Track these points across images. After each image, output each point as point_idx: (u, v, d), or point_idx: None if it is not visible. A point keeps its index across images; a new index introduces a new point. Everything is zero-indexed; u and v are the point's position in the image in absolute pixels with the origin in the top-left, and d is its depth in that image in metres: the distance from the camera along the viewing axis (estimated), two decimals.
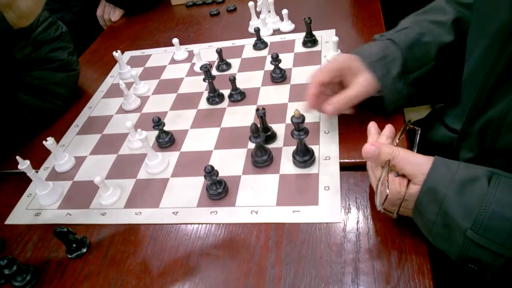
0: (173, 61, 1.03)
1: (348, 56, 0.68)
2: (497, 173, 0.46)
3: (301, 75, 0.87)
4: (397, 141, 0.58)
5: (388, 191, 0.50)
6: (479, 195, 0.45)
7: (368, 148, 0.53)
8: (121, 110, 0.91)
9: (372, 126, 0.61)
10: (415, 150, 0.55)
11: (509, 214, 0.43)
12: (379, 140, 0.58)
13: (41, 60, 0.89)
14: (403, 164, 0.51)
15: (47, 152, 0.80)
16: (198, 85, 0.92)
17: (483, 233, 0.44)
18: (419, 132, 0.58)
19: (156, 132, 0.78)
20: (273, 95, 0.84)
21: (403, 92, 0.68)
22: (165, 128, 0.78)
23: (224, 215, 0.63)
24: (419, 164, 0.50)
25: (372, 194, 0.61)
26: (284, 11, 1.02)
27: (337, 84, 0.68)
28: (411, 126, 0.60)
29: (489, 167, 0.54)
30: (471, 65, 0.62)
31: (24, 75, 0.88)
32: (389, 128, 0.59)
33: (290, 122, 0.63)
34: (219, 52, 0.93)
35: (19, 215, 0.71)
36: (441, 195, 0.47)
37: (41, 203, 0.72)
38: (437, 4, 0.73)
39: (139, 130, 0.71)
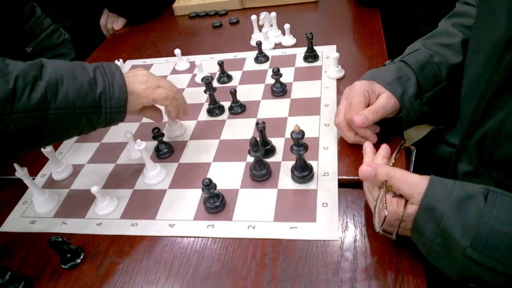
0: (174, 71, 1.04)
1: (365, 82, 0.69)
2: (493, 191, 0.46)
3: (301, 89, 0.87)
4: (393, 161, 0.58)
5: (386, 212, 0.49)
6: (477, 212, 0.45)
7: (364, 169, 0.53)
8: None
9: (368, 146, 0.62)
10: (411, 170, 0.56)
11: (508, 230, 0.43)
12: (375, 160, 0.58)
13: None
14: (400, 184, 0.51)
15: (44, 159, 0.80)
16: (198, 96, 0.92)
17: (483, 250, 0.44)
18: (415, 151, 0.58)
19: (155, 143, 0.78)
20: (273, 109, 0.84)
21: (419, 111, 0.69)
22: (164, 139, 0.78)
23: (221, 229, 0.63)
24: (415, 183, 0.50)
25: (369, 213, 0.60)
26: (286, 26, 1.03)
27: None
28: (406, 145, 0.60)
29: (488, 179, 0.55)
30: (469, 80, 0.64)
31: None
32: (384, 148, 0.60)
33: (289, 136, 0.63)
34: (221, 64, 0.93)
35: (14, 223, 0.71)
36: (439, 214, 0.47)
37: (37, 211, 0.71)
38: (444, 29, 0.75)
39: (138, 140, 0.70)
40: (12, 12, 0.82)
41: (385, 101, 0.67)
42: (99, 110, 0.61)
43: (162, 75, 1.03)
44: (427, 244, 0.49)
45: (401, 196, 0.52)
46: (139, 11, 1.32)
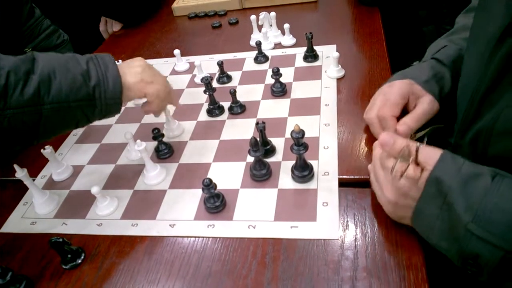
0: (174, 72, 1.04)
1: (403, 81, 0.68)
2: (501, 174, 0.47)
3: (301, 89, 0.87)
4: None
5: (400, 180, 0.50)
6: (483, 189, 0.45)
7: (384, 136, 0.54)
8: (121, 120, 0.91)
9: (391, 120, 0.63)
10: None
11: (510, 207, 0.43)
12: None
13: None
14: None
15: (44, 160, 0.80)
16: (198, 96, 0.92)
17: (484, 225, 0.44)
18: (425, 140, 0.58)
19: (155, 143, 0.78)
20: (273, 109, 0.84)
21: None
22: (164, 139, 0.78)
23: (221, 229, 0.63)
24: (431, 152, 0.51)
25: (369, 210, 0.60)
26: (286, 26, 1.03)
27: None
28: (415, 138, 0.60)
29: None
30: (464, 78, 0.63)
31: None
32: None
33: (289, 136, 0.63)
34: (220, 64, 0.93)
35: (15, 224, 0.71)
36: (446, 187, 0.47)
37: (37, 212, 0.71)
38: (464, 24, 0.74)
39: (138, 140, 0.70)
40: (11, 13, 0.82)
41: (428, 107, 0.66)
42: (93, 102, 0.60)
43: None
44: (431, 221, 0.49)
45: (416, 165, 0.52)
46: (131, 14, 1.32)
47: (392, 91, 0.67)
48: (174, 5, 1.34)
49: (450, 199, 0.47)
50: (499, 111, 0.52)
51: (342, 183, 0.65)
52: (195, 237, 0.62)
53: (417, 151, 0.51)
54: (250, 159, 0.70)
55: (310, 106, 0.82)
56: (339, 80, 0.88)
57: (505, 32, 0.49)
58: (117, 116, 0.90)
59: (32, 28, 0.88)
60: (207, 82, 0.82)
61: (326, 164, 0.69)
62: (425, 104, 0.66)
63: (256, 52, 1.00)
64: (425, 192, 0.50)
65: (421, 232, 0.53)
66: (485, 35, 0.54)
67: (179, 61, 1.03)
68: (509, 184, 0.45)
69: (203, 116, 0.86)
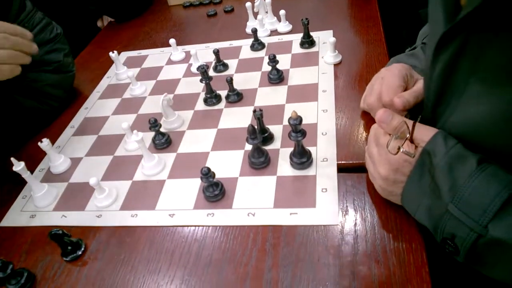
0: (170, 62, 1.03)
1: (401, 66, 0.67)
2: (488, 161, 0.47)
3: (298, 76, 0.87)
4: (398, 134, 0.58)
5: (402, 146, 0.51)
6: (467, 172, 0.46)
7: (382, 113, 0.55)
8: (118, 111, 0.90)
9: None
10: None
11: (489, 192, 0.44)
12: None
13: (37, 62, 0.88)
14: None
15: (42, 154, 0.80)
16: (195, 86, 0.91)
17: (462, 207, 0.45)
18: (419, 119, 0.58)
19: (152, 133, 0.77)
20: (270, 96, 0.83)
21: None
22: (162, 130, 0.77)
23: (221, 217, 0.62)
24: (426, 130, 0.51)
25: (369, 195, 0.60)
26: (282, 12, 1.02)
27: None
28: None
29: None
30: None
31: (20, 77, 0.87)
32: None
33: (287, 123, 0.63)
34: (216, 53, 0.92)
35: (14, 217, 0.71)
36: (434, 165, 0.48)
37: (36, 205, 0.71)
38: None
39: (135, 131, 0.70)
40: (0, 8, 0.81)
41: (422, 86, 0.65)
42: None
43: (158, 66, 1.02)
44: (418, 198, 0.50)
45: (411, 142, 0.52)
46: (122, 10, 1.30)
47: (391, 75, 0.66)
48: None
49: (437, 177, 0.47)
50: (444, 121, 0.52)
51: (341, 169, 0.65)
52: (195, 226, 0.62)
53: (413, 128, 0.51)
54: (248, 147, 0.70)
55: (307, 93, 0.82)
56: (336, 65, 0.88)
57: (441, 42, 0.47)
58: (114, 107, 0.91)
59: (23, 23, 0.86)
60: (203, 71, 0.81)
61: (325, 150, 0.69)
62: (422, 84, 0.65)
63: (252, 39, 0.99)
64: (416, 168, 0.51)
65: (409, 209, 0.53)
66: (434, 37, 0.51)
67: (175, 51, 1.02)
68: (492, 171, 0.45)
69: (200, 105, 0.86)
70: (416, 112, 0.64)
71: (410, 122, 0.52)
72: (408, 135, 0.51)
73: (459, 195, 0.45)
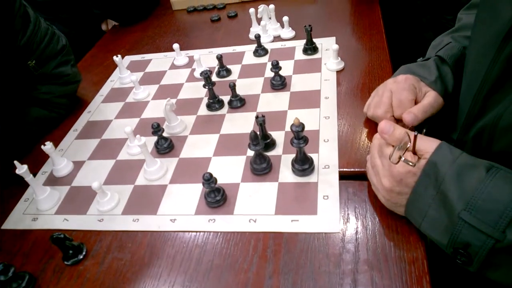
0: (173, 67, 1.03)
1: (411, 77, 0.68)
2: (496, 166, 0.47)
3: (301, 82, 0.87)
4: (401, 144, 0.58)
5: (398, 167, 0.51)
6: (476, 180, 0.46)
7: (384, 124, 0.55)
8: (120, 115, 0.90)
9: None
10: None
11: (503, 197, 0.44)
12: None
13: (48, 76, 0.90)
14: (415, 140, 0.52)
15: (45, 157, 0.80)
16: (198, 91, 0.91)
17: (476, 214, 0.45)
18: (424, 132, 0.58)
19: (155, 138, 0.78)
20: (273, 102, 0.84)
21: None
22: (164, 134, 0.77)
23: (222, 223, 0.63)
24: (429, 142, 0.51)
25: (371, 202, 0.60)
26: (285, 18, 1.02)
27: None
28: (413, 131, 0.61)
29: None
30: (468, 76, 0.63)
31: (32, 89, 0.88)
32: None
33: (289, 130, 0.63)
34: (220, 58, 0.93)
35: (16, 220, 0.71)
36: (441, 176, 0.48)
37: (39, 208, 0.71)
38: (466, 23, 0.74)
39: (138, 135, 0.70)
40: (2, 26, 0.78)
41: (434, 100, 0.66)
42: None
43: (161, 70, 1.03)
44: (425, 208, 0.50)
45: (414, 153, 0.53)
46: (126, 13, 1.31)
47: (401, 88, 0.67)
48: None
49: (444, 187, 0.47)
50: (504, 108, 0.52)
51: (343, 176, 0.65)
52: (196, 231, 0.62)
53: (415, 139, 0.51)
54: (250, 153, 0.70)
55: (310, 99, 0.82)
56: (338, 72, 0.88)
57: (510, 32, 0.49)
58: (117, 111, 0.91)
59: (31, 39, 0.84)
60: (206, 76, 0.81)
61: (326, 157, 0.69)
62: (431, 98, 0.66)
63: (256, 45, 0.99)
64: (421, 179, 0.51)
65: (414, 220, 0.53)
66: (489, 34, 0.54)
67: (178, 55, 1.03)
68: (503, 176, 0.45)
69: (203, 110, 0.86)
70: (421, 124, 0.65)
71: (412, 134, 0.52)
72: (410, 146, 0.51)
73: (473, 202, 0.45)
